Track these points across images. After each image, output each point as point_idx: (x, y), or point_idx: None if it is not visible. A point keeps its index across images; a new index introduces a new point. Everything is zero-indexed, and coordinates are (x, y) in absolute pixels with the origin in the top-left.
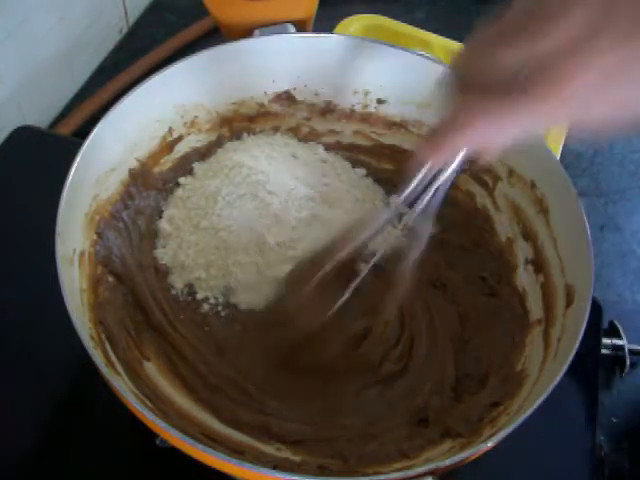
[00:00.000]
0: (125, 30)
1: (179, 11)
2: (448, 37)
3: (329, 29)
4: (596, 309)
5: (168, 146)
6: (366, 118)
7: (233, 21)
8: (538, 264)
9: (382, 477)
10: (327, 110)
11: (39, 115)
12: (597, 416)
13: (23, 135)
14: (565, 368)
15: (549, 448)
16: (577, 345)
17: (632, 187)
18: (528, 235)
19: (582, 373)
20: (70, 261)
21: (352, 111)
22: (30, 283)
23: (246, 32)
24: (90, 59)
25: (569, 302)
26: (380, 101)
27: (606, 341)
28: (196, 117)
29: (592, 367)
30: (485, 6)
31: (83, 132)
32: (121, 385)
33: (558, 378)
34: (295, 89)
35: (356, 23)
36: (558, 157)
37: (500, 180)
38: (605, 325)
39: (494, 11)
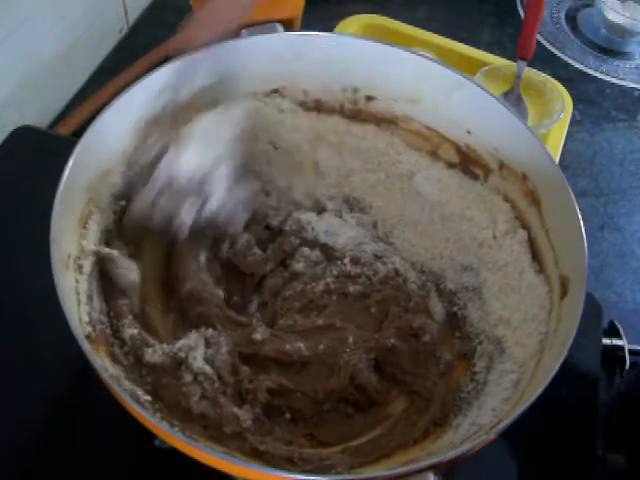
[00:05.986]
0: (125, 30)
1: (179, 11)
2: (448, 37)
3: (329, 29)
4: (596, 309)
5: None
6: (355, 115)
7: None
8: (532, 255)
9: (385, 472)
10: (316, 108)
11: (39, 115)
12: (597, 416)
13: (23, 135)
14: (562, 359)
15: (549, 447)
16: (573, 335)
17: (632, 187)
18: (521, 227)
19: (582, 373)
20: (65, 265)
21: (342, 108)
22: (30, 283)
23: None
24: (90, 59)
25: (564, 293)
26: (369, 98)
27: (606, 341)
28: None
29: (592, 367)
30: (485, 6)
31: (83, 132)
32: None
33: (556, 368)
34: (284, 88)
35: (356, 23)
36: (558, 158)
37: (492, 173)
38: (605, 325)
39: (494, 11)
